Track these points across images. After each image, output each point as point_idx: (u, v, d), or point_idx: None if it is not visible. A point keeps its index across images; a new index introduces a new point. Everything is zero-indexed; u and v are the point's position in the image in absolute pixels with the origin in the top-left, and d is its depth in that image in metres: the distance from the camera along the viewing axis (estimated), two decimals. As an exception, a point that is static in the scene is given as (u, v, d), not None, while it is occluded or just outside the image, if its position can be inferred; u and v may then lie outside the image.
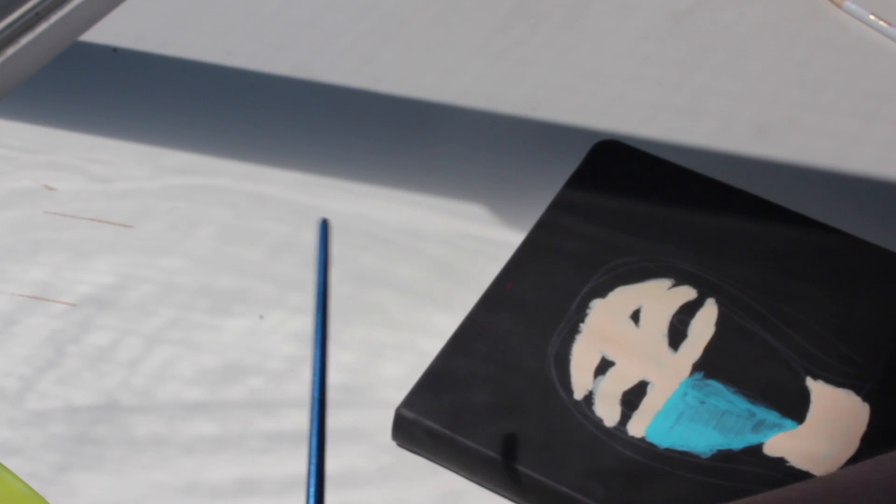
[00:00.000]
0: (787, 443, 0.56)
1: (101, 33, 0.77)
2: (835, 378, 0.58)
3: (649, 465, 0.55)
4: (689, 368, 0.58)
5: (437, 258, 0.65)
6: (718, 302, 0.60)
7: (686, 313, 0.60)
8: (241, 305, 0.63)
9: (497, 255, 0.64)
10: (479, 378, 0.58)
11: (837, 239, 0.63)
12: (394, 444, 0.58)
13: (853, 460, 0.55)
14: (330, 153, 0.70)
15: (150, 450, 0.57)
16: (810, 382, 0.58)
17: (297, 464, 0.57)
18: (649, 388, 0.58)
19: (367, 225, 0.66)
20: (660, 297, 0.61)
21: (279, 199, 0.68)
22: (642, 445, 0.56)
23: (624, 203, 0.64)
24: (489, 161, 0.69)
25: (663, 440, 0.56)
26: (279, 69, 0.74)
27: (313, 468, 0.45)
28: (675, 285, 0.61)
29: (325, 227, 0.48)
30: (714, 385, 0.58)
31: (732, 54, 0.75)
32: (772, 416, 0.56)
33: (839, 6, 0.77)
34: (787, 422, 0.56)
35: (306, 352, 0.61)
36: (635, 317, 0.60)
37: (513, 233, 0.65)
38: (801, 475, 0.54)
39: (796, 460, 0.55)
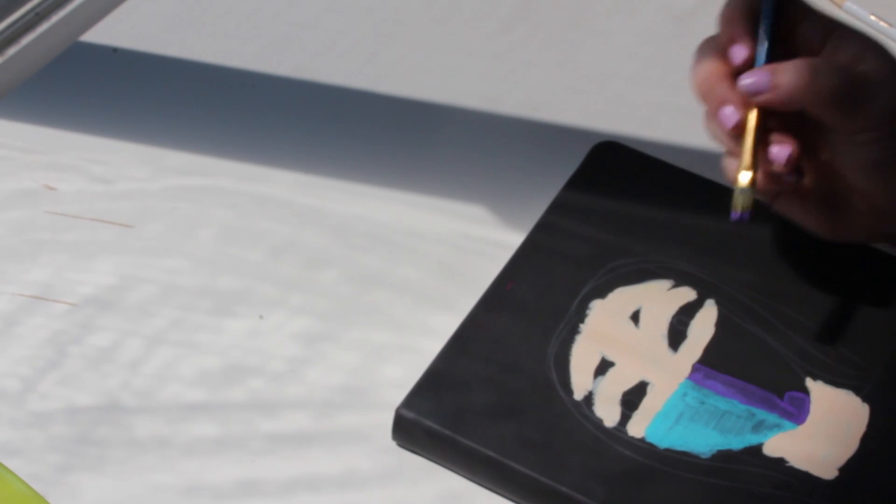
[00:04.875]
0: (786, 443, 0.56)
1: (101, 33, 0.77)
2: (834, 378, 0.58)
3: (649, 465, 0.55)
4: (688, 369, 0.58)
5: (438, 259, 0.65)
6: (718, 303, 0.60)
7: (686, 314, 0.60)
8: (242, 306, 0.63)
9: (497, 256, 0.64)
10: (479, 378, 0.58)
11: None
12: (394, 444, 0.58)
13: (853, 461, 0.55)
14: (331, 154, 0.70)
15: (152, 451, 0.58)
16: (810, 383, 0.58)
17: (298, 464, 0.57)
18: (649, 389, 0.58)
19: (367, 226, 0.66)
20: (659, 298, 0.61)
21: (280, 199, 0.68)
22: (642, 446, 0.56)
23: (623, 204, 0.64)
24: (489, 162, 0.69)
25: (663, 440, 0.56)
26: (280, 70, 0.74)
27: None
28: (674, 286, 0.61)
29: None
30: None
31: (732, 55, 0.75)
32: (771, 416, 0.57)
33: (840, 7, 0.77)
34: (787, 422, 0.56)
35: (307, 352, 0.61)
36: (635, 317, 0.60)
37: (513, 234, 0.65)
38: (801, 475, 0.55)
39: (796, 460, 0.55)
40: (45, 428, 0.58)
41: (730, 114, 0.56)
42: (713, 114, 0.57)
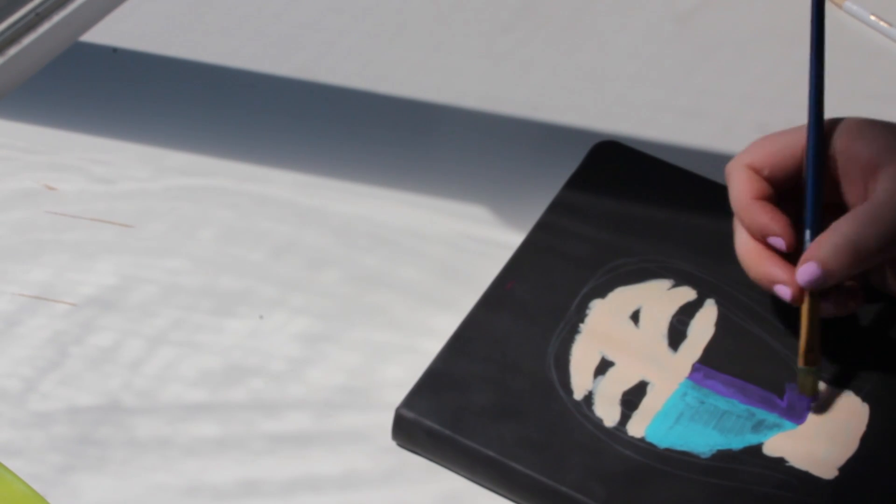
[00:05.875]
0: (786, 443, 0.56)
1: (101, 33, 0.77)
2: (834, 378, 0.58)
3: (649, 465, 0.55)
4: (688, 369, 0.58)
5: (438, 259, 0.65)
6: (718, 302, 0.60)
7: (686, 314, 0.60)
8: (243, 306, 0.63)
9: (497, 256, 0.64)
10: (478, 378, 0.58)
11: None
12: (395, 444, 0.58)
13: (853, 461, 0.55)
14: (331, 154, 0.70)
15: (153, 451, 0.58)
16: (810, 383, 0.58)
17: (299, 464, 0.57)
18: (649, 389, 0.58)
19: (368, 226, 0.66)
20: (659, 298, 0.61)
21: (281, 200, 0.68)
22: (642, 445, 0.56)
23: (623, 204, 0.64)
24: (490, 162, 0.69)
25: (663, 440, 0.56)
26: (281, 70, 0.74)
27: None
28: (674, 286, 0.61)
29: None
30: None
31: (734, 55, 0.75)
32: (771, 416, 0.57)
33: (840, 7, 0.77)
34: (787, 422, 0.56)
35: (307, 352, 0.61)
36: (635, 317, 0.60)
37: (513, 233, 0.65)
38: (801, 475, 0.55)
39: (796, 460, 0.55)
40: (45, 428, 0.58)
41: (784, 293, 0.56)
42: (766, 289, 0.57)
